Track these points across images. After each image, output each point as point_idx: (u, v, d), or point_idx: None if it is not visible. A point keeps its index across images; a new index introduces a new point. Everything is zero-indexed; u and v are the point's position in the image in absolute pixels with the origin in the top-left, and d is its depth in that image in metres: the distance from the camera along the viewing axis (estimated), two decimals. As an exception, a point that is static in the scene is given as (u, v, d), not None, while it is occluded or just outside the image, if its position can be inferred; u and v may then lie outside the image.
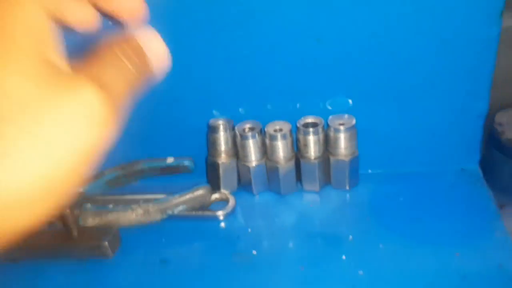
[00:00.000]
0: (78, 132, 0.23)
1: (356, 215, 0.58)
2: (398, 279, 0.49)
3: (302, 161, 0.59)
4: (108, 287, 0.52)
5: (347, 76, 0.57)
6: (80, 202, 0.59)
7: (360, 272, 0.50)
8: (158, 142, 0.63)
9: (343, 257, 0.52)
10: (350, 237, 0.54)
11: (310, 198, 0.61)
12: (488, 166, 0.63)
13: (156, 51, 0.28)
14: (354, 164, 0.59)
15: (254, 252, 0.54)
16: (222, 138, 0.60)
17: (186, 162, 0.59)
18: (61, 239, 0.55)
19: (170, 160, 0.59)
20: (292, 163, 0.60)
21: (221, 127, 0.59)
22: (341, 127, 0.57)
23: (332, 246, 0.54)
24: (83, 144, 0.23)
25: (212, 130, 0.60)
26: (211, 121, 0.60)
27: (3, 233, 0.22)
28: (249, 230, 0.57)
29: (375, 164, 0.63)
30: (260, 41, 0.56)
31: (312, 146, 0.58)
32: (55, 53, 0.24)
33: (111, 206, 0.57)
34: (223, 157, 0.61)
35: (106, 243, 0.53)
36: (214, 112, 0.61)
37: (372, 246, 0.53)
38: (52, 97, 0.23)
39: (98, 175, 0.60)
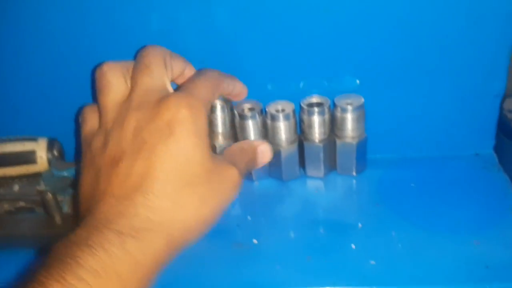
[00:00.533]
0: (228, 192, 0.41)
1: (365, 202, 0.53)
2: (414, 270, 0.44)
3: (306, 144, 0.55)
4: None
5: (354, 53, 0.53)
6: (64, 187, 0.54)
7: (372, 262, 0.46)
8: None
9: (353, 246, 0.48)
10: (360, 225, 0.50)
11: (315, 184, 0.57)
12: (498, 154, 0.60)
13: (263, 153, 0.48)
14: (362, 147, 0.55)
15: (255, 241, 0.50)
16: (220, 119, 0.55)
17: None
18: (43, 226, 0.50)
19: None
20: (295, 146, 0.55)
21: (219, 107, 0.55)
22: (349, 107, 0.53)
23: (340, 235, 0.49)
24: (228, 200, 0.41)
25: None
26: None
27: (179, 246, 0.38)
28: (249, 218, 0.53)
29: (384, 149, 0.59)
30: (259, 12, 0.51)
31: (317, 127, 0.54)
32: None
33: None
34: (220, 140, 0.56)
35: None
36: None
37: (383, 234, 0.49)
38: (216, 171, 0.40)
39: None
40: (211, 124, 0.55)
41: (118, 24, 0.53)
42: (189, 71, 0.47)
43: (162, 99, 0.39)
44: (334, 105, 0.54)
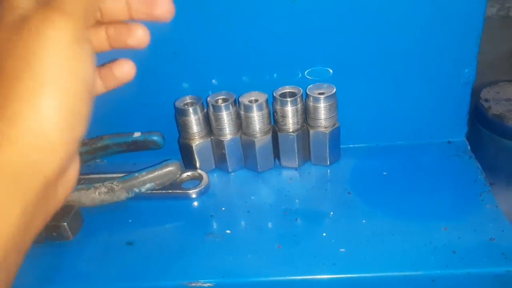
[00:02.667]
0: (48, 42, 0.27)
1: (337, 191, 0.54)
2: (382, 256, 0.45)
3: (279, 134, 0.55)
4: (68, 271, 0.48)
5: (327, 43, 0.53)
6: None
7: (342, 250, 0.46)
8: (124, 116, 0.58)
9: (324, 234, 0.48)
10: (331, 213, 0.51)
11: (289, 174, 0.57)
12: (473, 144, 0.60)
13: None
14: (335, 136, 0.55)
15: (228, 231, 0.50)
16: (194, 121, 0.55)
17: (155, 137, 0.54)
18: None
19: (137, 134, 0.55)
20: (268, 137, 0.56)
21: (191, 111, 0.55)
22: (321, 96, 0.53)
23: (312, 224, 0.50)
24: (60, 48, 0.27)
25: (181, 113, 0.55)
26: (178, 103, 0.55)
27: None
28: (223, 208, 0.53)
29: (357, 138, 0.59)
30: (232, 6, 0.52)
31: (291, 117, 0.54)
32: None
33: (72, 184, 0.52)
34: (196, 139, 0.56)
35: (65, 223, 0.49)
36: (184, 85, 0.57)
37: (354, 222, 0.49)
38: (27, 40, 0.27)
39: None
40: (185, 126, 0.56)
41: None
42: None
43: (19, 20, 0.28)
44: (306, 95, 0.54)
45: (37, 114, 0.27)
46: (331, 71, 0.55)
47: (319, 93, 0.53)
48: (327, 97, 0.53)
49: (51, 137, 0.28)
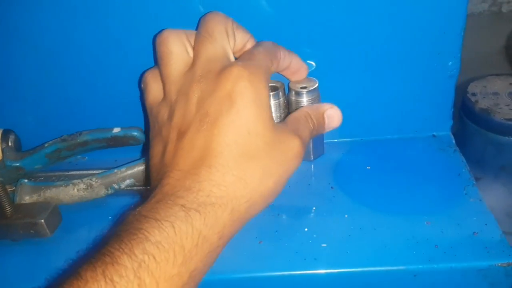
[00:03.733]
0: (290, 163, 0.41)
1: (320, 186, 0.53)
2: (364, 251, 0.44)
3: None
4: (46, 268, 0.47)
5: (310, 36, 0.53)
6: (17, 177, 0.53)
7: (324, 245, 0.45)
8: (104, 112, 0.57)
9: (306, 229, 0.47)
10: (314, 208, 0.50)
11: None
12: (460, 138, 0.60)
13: (332, 117, 0.48)
14: None
15: (209, 227, 0.49)
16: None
17: (135, 132, 0.54)
18: (-7, 217, 0.49)
19: (116, 130, 0.54)
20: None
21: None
22: (303, 91, 0.52)
23: (294, 219, 0.49)
24: (291, 170, 0.41)
25: None
26: None
27: (243, 220, 0.39)
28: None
29: (341, 133, 0.58)
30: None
31: (273, 111, 0.53)
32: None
33: (50, 181, 0.52)
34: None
35: (43, 220, 0.48)
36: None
37: (337, 217, 0.48)
38: (278, 142, 0.39)
39: (36, 148, 0.54)
40: None
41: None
42: (251, 43, 0.46)
43: (224, 69, 0.39)
44: (288, 89, 0.53)
45: (258, 203, 0.40)
46: (314, 64, 0.54)
47: (302, 87, 0.52)
48: (309, 92, 0.52)
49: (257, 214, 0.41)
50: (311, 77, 0.53)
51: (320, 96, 0.53)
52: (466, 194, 0.49)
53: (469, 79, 0.77)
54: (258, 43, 0.47)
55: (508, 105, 0.70)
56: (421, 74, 0.54)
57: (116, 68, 0.55)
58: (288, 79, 0.52)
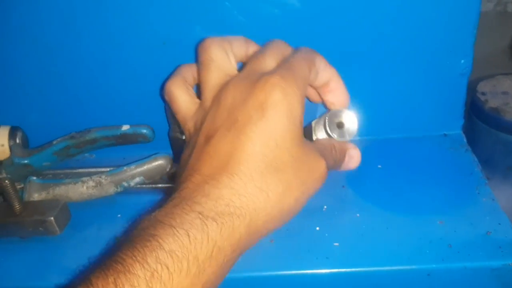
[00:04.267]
0: (314, 184, 0.40)
1: (331, 185, 0.52)
2: (377, 250, 0.44)
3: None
4: (55, 266, 0.46)
5: (319, 35, 0.52)
6: (25, 174, 0.53)
7: (336, 244, 0.45)
8: (113, 109, 0.57)
9: (317, 228, 0.47)
10: (325, 207, 0.49)
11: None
12: (469, 138, 0.59)
13: (353, 158, 0.48)
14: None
15: (219, 226, 0.49)
16: None
17: (144, 130, 0.53)
18: (2, 214, 0.49)
19: (125, 127, 0.53)
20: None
21: None
22: (344, 136, 0.48)
23: (305, 218, 0.48)
24: (313, 191, 0.40)
25: None
26: None
27: (260, 234, 0.38)
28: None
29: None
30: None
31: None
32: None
33: (58, 179, 0.51)
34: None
35: (52, 218, 0.47)
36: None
37: (348, 216, 0.48)
38: (305, 160, 0.39)
39: (44, 145, 0.54)
40: (176, 119, 0.54)
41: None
42: (252, 49, 0.46)
43: (261, 77, 0.38)
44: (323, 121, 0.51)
45: (276, 219, 0.38)
46: None
47: (339, 124, 0.48)
48: (348, 134, 0.48)
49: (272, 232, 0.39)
50: (350, 111, 0.48)
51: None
52: (478, 193, 0.49)
53: (475, 79, 0.77)
54: (296, 49, 0.45)
55: (517, 105, 0.69)
56: (432, 73, 0.54)
57: (125, 64, 0.55)
58: (321, 98, 0.49)
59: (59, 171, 0.56)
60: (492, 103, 0.70)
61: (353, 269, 0.43)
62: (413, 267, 0.42)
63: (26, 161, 0.53)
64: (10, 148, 0.54)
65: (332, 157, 0.44)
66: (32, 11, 0.52)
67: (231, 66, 0.44)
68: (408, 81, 0.54)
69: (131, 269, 0.30)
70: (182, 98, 0.45)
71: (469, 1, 0.50)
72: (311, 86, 0.47)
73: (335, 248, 0.45)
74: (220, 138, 0.37)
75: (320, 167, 0.40)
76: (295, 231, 0.47)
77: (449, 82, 0.54)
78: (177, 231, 0.32)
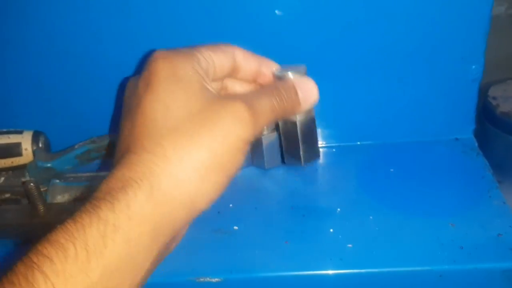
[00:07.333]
0: (231, 130, 0.33)
1: (344, 187, 0.54)
2: (390, 252, 0.45)
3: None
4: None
5: (334, 40, 0.54)
6: (48, 178, 0.55)
7: (349, 245, 0.46)
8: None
9: (331, 230, 0.48)
10: (338, 209, 0.51)
11: (296, 171, 0.57)
12: (481, 142, 0.60)
13: (306, 90, 0.40)
14: (309, 128, 0.46)
15: (236, 227, 0.50)
16: None
17: (162, 134, 0.55)
18: (27, 216, 0.50)
19: (144, 132, 0.55)
20: (275, 134, 0.56)
21: None
22: (288, 72, 0.41)
23: (318, 220, 0.50)
24: (235, 135, 0.33)
25: None
26: None
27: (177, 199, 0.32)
28: (231, 205, 0.53)
29: (365, 136, 0.59)
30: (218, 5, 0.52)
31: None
32: (212, 85, 0.36)
33: (80, 181, 0.53)
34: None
35: (73, 220, 0.49)
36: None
37: (361, 218, 0.49)
38: (210, 110, 0.33)
39: (67, 149, 0.56)
40: None
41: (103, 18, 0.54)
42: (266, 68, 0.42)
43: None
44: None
45: (186, 179, 0.32)
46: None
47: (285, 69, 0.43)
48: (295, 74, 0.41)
49: (193, 199, 0.32)
50: (299, 64, 0.44)
51: None
52: (490, 197, 0.50)
53: (487, 83, 0.78)
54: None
55: (528, 109, 0.70)
56: (444, 78, 0.55)
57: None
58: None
59: (80, 174, 0.58)
60: (503, 107, 0.71)
61: (366, 270, 0.44)
62: (425, 268, 0.43)
63: (49, 165, 0.55)
64: (34, 152, 0.56)
65: (269, 99, 0.37)
66: (54, 20, 0.54)
67: None
68: (421, 87, 0.55)
69: (15, 269, 0.28)
70: None
71: (479, 8, 0.51)
72: (242, 79, 0.42)
73: (348, 249, 0.46)
74: (122, 130, 0.35)
75: (234, 111, 0.34)
76: (309, 232, 0.48)
77: (461, 87, 0.55)
78: (67, 221, 0.30)
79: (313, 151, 0.48)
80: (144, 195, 0.30)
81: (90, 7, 0.53)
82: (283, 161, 0.58)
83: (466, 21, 0.51)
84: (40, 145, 0.57)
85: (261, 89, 0.40)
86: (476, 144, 0.58)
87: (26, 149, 0.57)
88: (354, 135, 0.58)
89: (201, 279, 0.45)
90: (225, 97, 0.35)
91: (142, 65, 0.40)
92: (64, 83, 0.58)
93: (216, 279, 0.45)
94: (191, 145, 0.32)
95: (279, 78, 0.41)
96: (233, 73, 0.40)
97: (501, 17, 1.77)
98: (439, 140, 0.58)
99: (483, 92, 0.76)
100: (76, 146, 0.55)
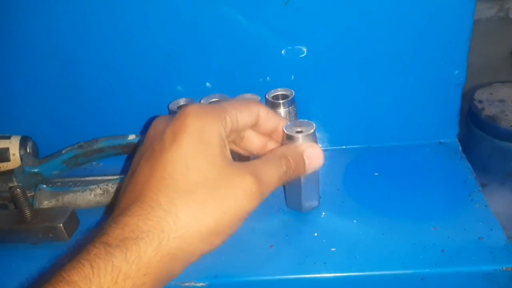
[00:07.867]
0: (237, 202, 0.37)
1: (329, 191, 0.54)
2: (373, 256, 0.45)
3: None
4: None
5: (319, 45, 0.54)
6: (35, 182, 0.55)
7: (333, 249, 0.47)
8: (119, 119, 0.59)
9: (315, 234, 0.49)
10: (323, 213, 0.51)
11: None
12: (467, 145, 0.61)
13: (313, 157, 0.44)
14: None
15: (221, 232, 0.51)
16: None
17: (149, 139, 0.55)
18: (14, 221, 0.51)
19: (131, 137, 0.55)
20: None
21: None
22: (298, 135, 0.45)
23: (303, 223, 0.50)
24: (238, 210, 0.37)
25: None
26: (172, 106, 0.55)
27: (180, 257, 0.36)
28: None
29: (349, 140, 0.60)
30: (223, 10, 0.53)
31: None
32: (229, 153, 0.39)
33: (67, 187, 0.53)
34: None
35: (61, 225, 0.50)
36: (178, 87, 0.58)
37: (345, 222, 0.50)
38: (223, 179, 0.37)
39: (54, 155, 0.56)
40: None
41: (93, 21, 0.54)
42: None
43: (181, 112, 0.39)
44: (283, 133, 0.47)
45: (190, 240, 0.36)
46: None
47: (297, 132, 0.46)
48: (306, 137, 0.45)
49: (190, 255, 0.37)
50: (308, 120, 0.47)
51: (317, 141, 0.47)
52: (472, 200, 0.50)
53: (476, 85, 0.79)
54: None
55: (514, 112, 0.71)
56: (428, 83, 0.56)
57: (131, 76, 0.57)
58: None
59: (67, 179, 0.58)
60: (489, 111, 0.72)
61: (350, 274, 0.45)
62: (407, 271, 0.44)
63: (36, 170, 0.55)
64: (21, 157, 0.56)
65: (277, 168, 0.41)
66: (41, 25, 0.54)
67: None
68: (405, 91, 0.56)
69: None
70: None
71: (462, 14, 0.51)
72: (260, 132, 0.46)
73: (332, 253, 0.46)
74: (140, 170, 0.38)
75: (244, 183, 0.37)
76: (294, 236, 0.49)
77: (444, 92, 0.56)
78: (81, 262, 0.33)
79: (313, 200, 0.52)
80: (153, 249, 0.34)
81: (78, 12, 0.53)
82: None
83: (448, 27, 0.52)
84: (28, 150, 0.58)
85: (271, 156, 0.42)
86: (460, 148, 0.58)
87: (13, 154, 0.57)
88: (339, 139, 0.58)
89: (186, 284, 0.45)
90: (238, 167, 0.38)
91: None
92: (52, 88, 0.59)
93: (201, 284, 0.45)
94: (201, 213, 0.36)
95: (289, 138, 0.45)
96: (253, 127, 0.45)
97: (492, 20, 1.78)
98: (423, 144, 0.59)
99: (469, 96, 0.77)
100: (63, 151, 0.56)
